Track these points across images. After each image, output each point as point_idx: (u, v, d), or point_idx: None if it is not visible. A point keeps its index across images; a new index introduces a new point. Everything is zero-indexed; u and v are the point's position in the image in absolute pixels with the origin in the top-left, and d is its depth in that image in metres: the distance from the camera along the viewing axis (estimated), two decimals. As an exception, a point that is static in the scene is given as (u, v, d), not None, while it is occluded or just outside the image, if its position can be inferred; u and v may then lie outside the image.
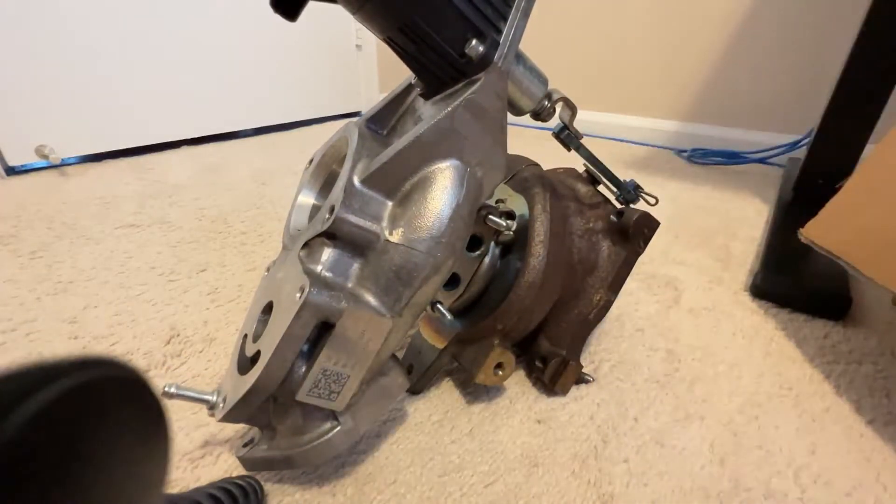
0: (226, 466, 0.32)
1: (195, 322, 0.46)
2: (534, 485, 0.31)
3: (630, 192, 0.40)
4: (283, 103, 1.31)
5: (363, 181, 0.27)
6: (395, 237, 0.27)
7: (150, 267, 0.56)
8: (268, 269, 0.33)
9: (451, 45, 0.27)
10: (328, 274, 0.27)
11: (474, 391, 0.39)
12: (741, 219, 0.77)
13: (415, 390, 0.38)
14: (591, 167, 0.40)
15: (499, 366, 0.35)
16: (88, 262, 0.56)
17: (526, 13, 0.29)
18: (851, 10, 0.82)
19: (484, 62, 0.27)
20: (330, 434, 0.28)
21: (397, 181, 0.27)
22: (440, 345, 0.36)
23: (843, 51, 0.70)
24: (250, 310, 0.31)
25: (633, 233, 0.38)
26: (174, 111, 1.07)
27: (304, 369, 0.26)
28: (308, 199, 0.34)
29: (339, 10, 0.28)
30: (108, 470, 0.11)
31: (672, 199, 0.84)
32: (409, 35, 0.26)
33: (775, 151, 1.00)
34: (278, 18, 0.28)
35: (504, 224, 0.33)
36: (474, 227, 0.32)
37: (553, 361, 0.37)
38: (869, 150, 0.71)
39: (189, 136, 1.11)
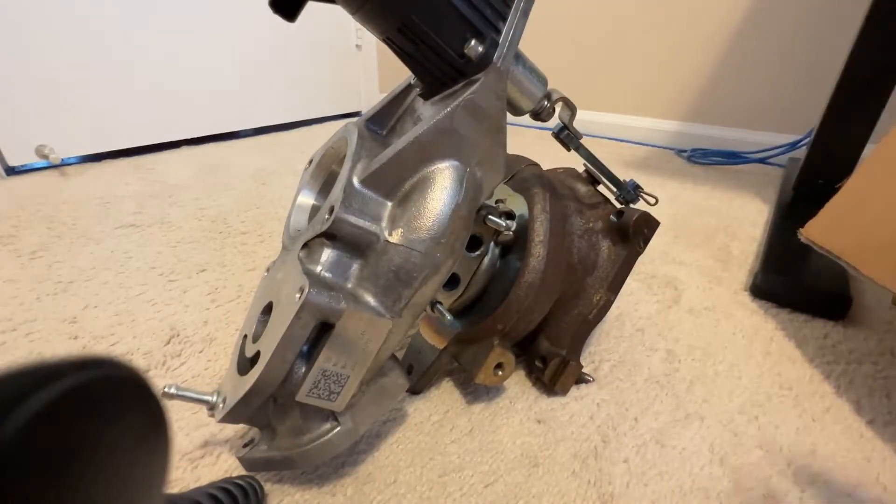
0: (226, 466, 0.32)
1: (195, 322, 0.46)
2: (534, 485, 0.31)
3: (630, 192, 0.40)
4: (283, 103, 1.32)
5: (363, 181, 0.27)
6: (395, 237, 0.27)
7: (150, 267, 0.56)
8: (267, 270, 0.33)
9: (450, 45, 0.27)
10: (328, 274, 0.27)
11: (474, 391, 0.39)
12: (741, 219, 0.77)
13: (415, 390, 0.38)
14: (590, 167, 0.40)
15: (499, 366, 0.35)
16: (88, 262, 0.56)
17: (525, 13, 0.29)
18: (851, 10, 0.82)
19: (483, 62, 0.27)
20: (330, 434, 0.28)
21: (397, 181, 0.27)
22: (440, 345, 0.36)
23: (843, 51, 0.70)
24: (250, 310, 0.31)
25: (633, 233, 0.38)
26: (174, 111, 1.07)
27: (303, 370, 0.26)
28: (308, 199, 0.34)
29: (339, 11, 0.28)
30: (107, 470, 0.11)
31: (672, 199, 0.84)
32: (408, 35, 0.26)
33: (775, 151, 1.00)
34: (278, 18, 0.28)
35: (504, 224, 0.33)
36: (474, 227, 0.32)
37: (553, 361, 0.37)
38: (869, 150, 0.71)
39: (189, 136, 1.11)
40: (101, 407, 0.10)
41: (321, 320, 0.25)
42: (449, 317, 0.36)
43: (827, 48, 0.99)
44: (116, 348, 0.43)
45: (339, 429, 0.28)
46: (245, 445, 0.30)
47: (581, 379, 0.40)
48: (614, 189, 0.40)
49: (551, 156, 0.50)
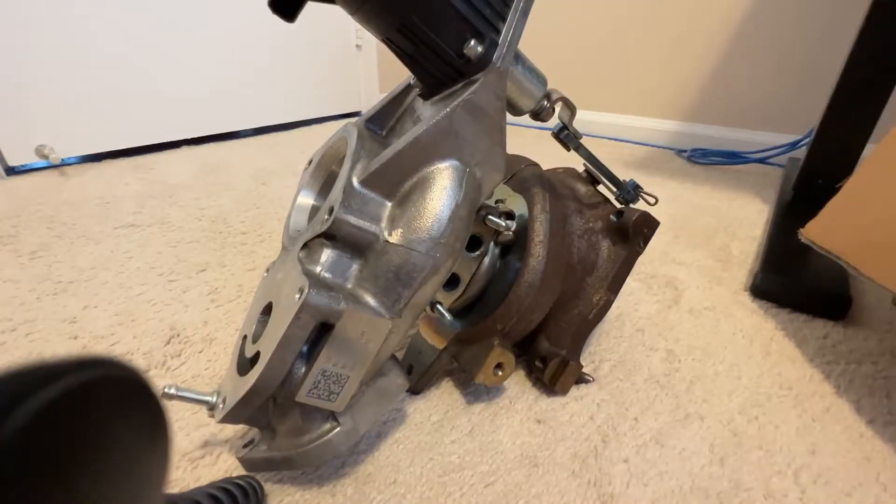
0: (226, 466, 0.32)
1: (195, 322, 0.46)
2: (534, 485, 0.31)
3: (630, 191, 0.40)
4: (283, 103, 1.32)
5: (362, 182, 0.27)
6: (395, 238, 0.27)
7: (150, 267, 0.56)
8: (267, 270, 0.33)
9: (449, 45, 0.27)
10: (327, 275, 0.27)
11: (474, 391, 0.39)
12: (741, 219, 0.77)
13: (415, 390, 0.38)
14: (590, 167, 0.40)
15: (499, 366, 0.35)
16: (88, 262, 0.56)
17: (525, 13, 0.29)
18: (851, 10, 0.82)
19: (483, 62, 0.27)
20: (330, 435, 0.28)
21: (396, 182, 0.27)
22: (440, 345, 0.36)
23: (843, 51, 0.70)
24: (250, 311, 0.31)
25: (633, 232, 0.38)
26: (174, 111, 1.07)
27: (303, 370, 0.26)
28: (307, 199, 0.34)
29: (339, 11, 0.28)
30: (108, 470, 0.11)
31: (672, 199, 0.84)
32: (408, 36, 0.26)
33: (775, 151, 1.00)
34: (278, 18, 0.28)
35: (503, 224, 0.33)
36: (474, 227, 0.32)
37: (553, 361, 0.37)
38: (869, 150, 0.71)
39: (189, 136, 1.11)
40: (102, 407, 0.10)
41: (321, 321, 0.25)
42: (449, 317, 0.36)
43: (827, 48, 0.99)
44: (116, 348, 0.43)
45: (339, 429, 0.28)
46: (245, 446, 0.30)
47: (581, 379, 0.40)
48: (614, 189, 0.40)
49: (551, 156, 0.50)
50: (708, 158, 1.09)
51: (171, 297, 0.50)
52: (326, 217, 0.26)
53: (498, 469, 0.32)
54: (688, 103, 1.19)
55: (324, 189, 0.34)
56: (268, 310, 0.28)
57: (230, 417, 0.27)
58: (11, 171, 0.87)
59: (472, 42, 0.27)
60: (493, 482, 0.31)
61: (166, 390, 0.27)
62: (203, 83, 1.11)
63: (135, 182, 0.85)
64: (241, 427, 0.34)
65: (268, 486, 0.30)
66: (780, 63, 1.05)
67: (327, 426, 0.28)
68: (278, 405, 0.28)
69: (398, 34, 0.27)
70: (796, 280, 0.53)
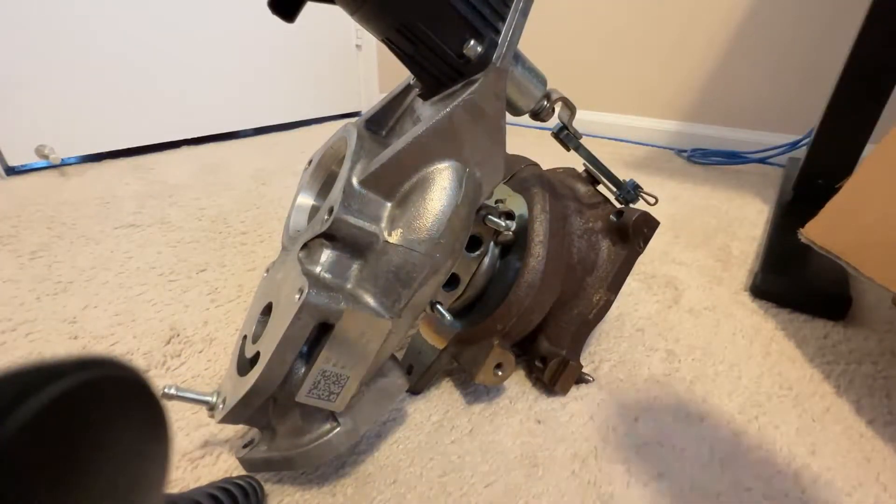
0: (226, 466, 0.32)
1: (195, 322, 0.46)
2: (534, 485, 0.31)
3: (630, 191, 0.40)
4: (283, 103, 1.32)
5: (362, 182, 0.27)
6: (394, 238, 0.27)
7: (150, 267, 0.56)
8: (267, 270, 0.33)
9: (449, 45, 0.27)
10: (327, 275, 0.27)
11: (474, 391, 0.39)
12: (741, 219, 0.77)
13: (415, 390, 0.38)
14: (590, 167, 0.40)
15: (499, 366, 0.35)
16: (88, 262, 0.56)
17: (524, 13, 0.29)
18: (851, 10, 0.82)
19: (482, 62, 0.27)
20: (330, 435, 0.28)
21: (396, 182, 0.27)
22: (440, 345, 0.36)
23: (843, 51, 0.70)
24: (250, 311, 0.31)
25: (633, 232, 0.38)
26: (174, 111, 1.07)
27: (303, 370, 0.26)
28: (307, 199, 0.34)
29: (339, 11, 0.28)
30: (108, 470, 0.11)
31: (672, 199, 0.84)
32: (407, 36, 0.26)
33: (775, 151, 1.00)
34: (278, 19, 0.28)
35: (503, 224, 0.33)
36: (474, 227, 0.32)
37: (553, 361, 0.37)
38: (869, 150, 0.71)
39: (189, 136, 1.11)
40: (102, 407, 0.10)
41: (321, 321, 0.25)
42: (449, 317, 0.36)
43: (827, 48, 0.99)
44: (116, 348, 0.43)
45: (339, 429, 0.28)
46: (245, 446, 0.30)
47: (581, 379, 0.40)
48: (614, 189, 0.40)
49: (551, 156, 0.50)
50: (708, 158, 1.09)
51: (171, 297, 0.50)
52: (326, 217, 0.26)
53: (498, 469, 0.32)
54: (688, 103, 1.19)
55: (324, 189, 0.34)
56: (268, 310, 0.28)
57: (230, 418, 0.27)
58: (11, 171, 0.87)
59: (472, 42, 0.27)
60: (493, 482, 0.31)
61: (166, 390, 0.27)
62: (203, 83, 1.11)
63: (135, 182, 0.85)
64: (241, 427, 0.34)
65: (268, 486, 0.30)
66: (780, 63, 1.05)
67: (327, 426, 0.28)
68: (278, 405, 0.28)
69: (398, 34, 0.27)
70: (796, 280, 0.53)
